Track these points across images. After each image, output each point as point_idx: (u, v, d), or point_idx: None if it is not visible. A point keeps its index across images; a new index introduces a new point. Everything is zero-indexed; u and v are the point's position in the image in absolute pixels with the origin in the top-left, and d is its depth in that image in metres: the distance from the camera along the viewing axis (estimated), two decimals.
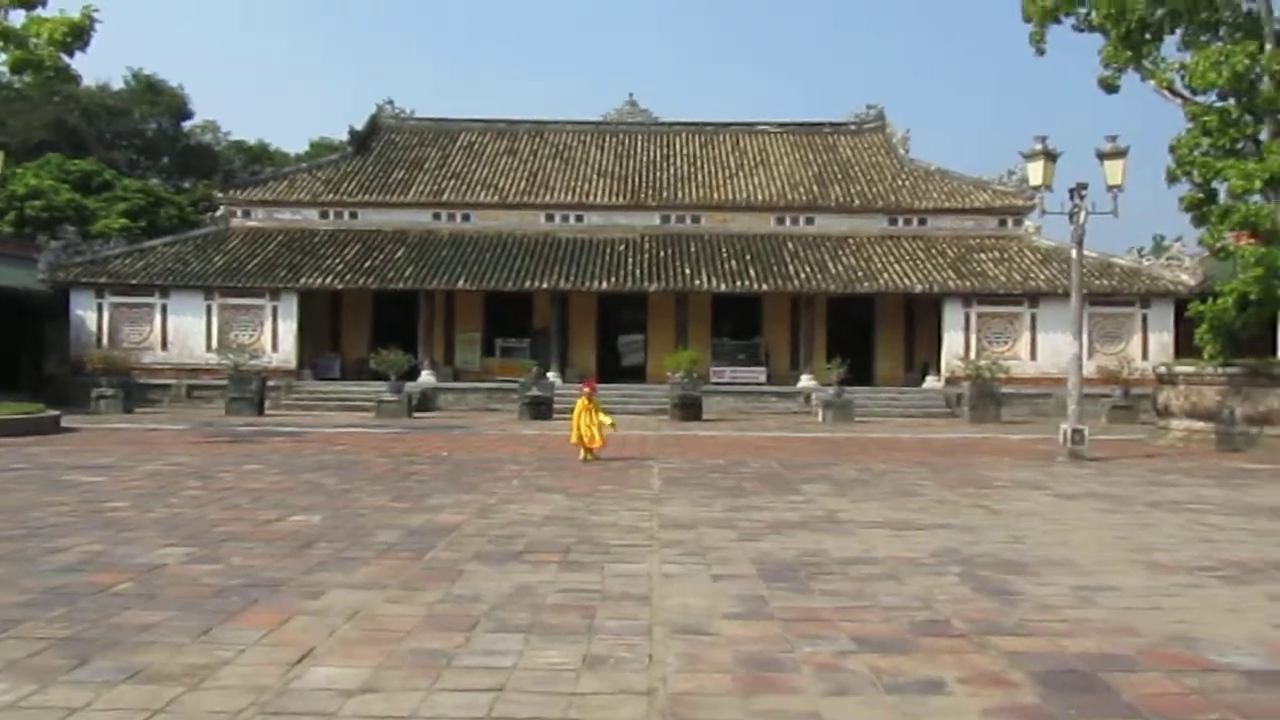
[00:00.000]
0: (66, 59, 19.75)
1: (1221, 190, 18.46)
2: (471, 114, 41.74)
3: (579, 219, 35.28)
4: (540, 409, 26.38)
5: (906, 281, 31.44)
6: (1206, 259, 29.25)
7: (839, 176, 36.97)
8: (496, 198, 35.69)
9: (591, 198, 35.73)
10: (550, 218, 35.28)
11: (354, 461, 14.79)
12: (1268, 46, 18.55)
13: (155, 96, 61.73)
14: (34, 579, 6.62)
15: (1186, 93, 19.63)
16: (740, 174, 37.41)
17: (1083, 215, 16.47)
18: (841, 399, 26.75)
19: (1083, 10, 20.71)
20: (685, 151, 39.12)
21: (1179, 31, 20.07)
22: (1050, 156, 16.38)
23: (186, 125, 64.79)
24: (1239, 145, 18.41)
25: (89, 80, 51.94)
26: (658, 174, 37.45)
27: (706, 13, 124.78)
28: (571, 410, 16.12)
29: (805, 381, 31.38)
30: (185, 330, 31.45)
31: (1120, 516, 10.03)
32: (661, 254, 33.19)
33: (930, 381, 32.02)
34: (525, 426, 23.95)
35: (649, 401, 29.07)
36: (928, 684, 4.59)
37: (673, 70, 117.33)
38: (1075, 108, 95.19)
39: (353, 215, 35.30)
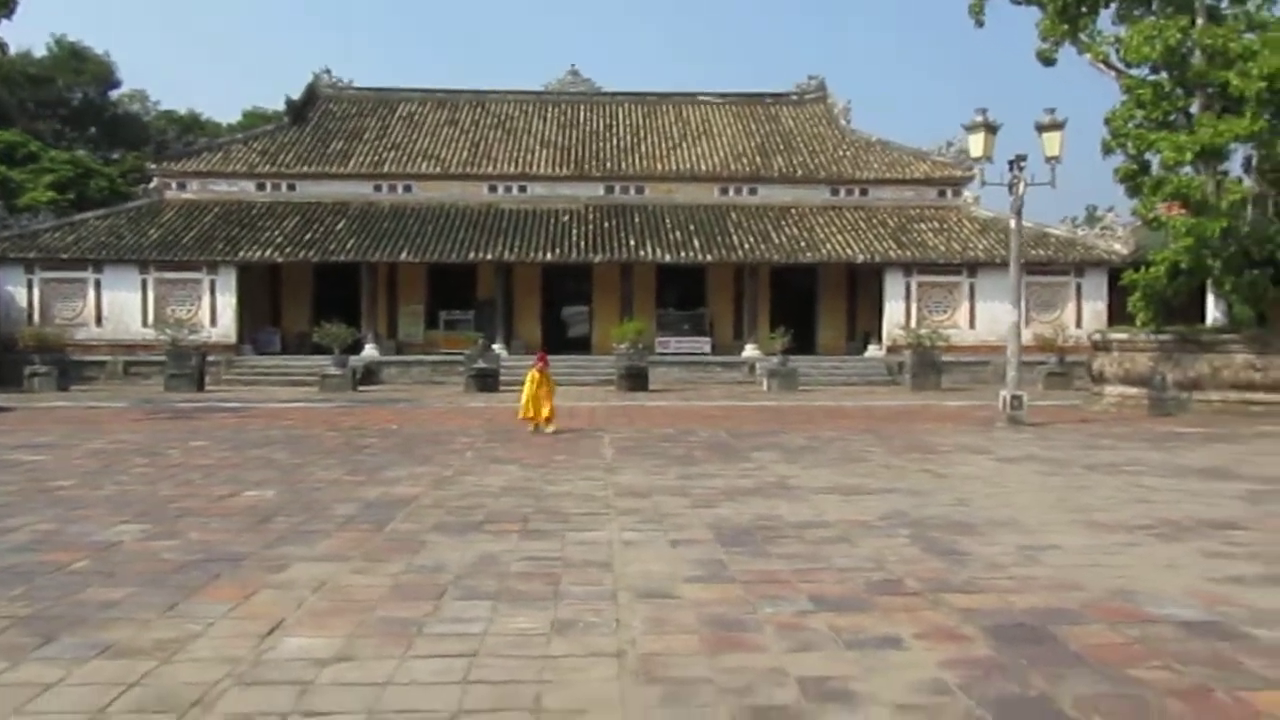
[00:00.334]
0: None
1: (1154, 162, 18.95)
2: (411, 84, 41.19)
3: (522, 190, 35.11)
4: (487, 381, 26.34)
5: (849, 251, 31.82)
6: (1138, 229, 30.05)
7: (781, 147, 37.19)
8: (438, 169, 35.34)
9: (535, 168, 35.56)
10: (493, 188, 35.06)
11: (303, 436, 14.69)
12: (1199, 21, 19.02)
13: (80, 65, 59.78)
14: None
15: (1121, 66, 20.06)
16: (684, 144, 37.45)
17: (1022, 186, 16.83)
18: (786, 368, 27.08)
19: None
20: (628, 122, 39.05)
21: (1114, 5, 20.47)
22: (990, 128, 16.68)
23: (114, 94, 62.97)
24: (1171, 118, 18.88)
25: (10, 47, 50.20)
26: (601, 144, 37.35)
27: None
28: (521, 383, 16.12)
29: (750, 351, 31.68)
30: (120, 305, 30.78)
31: (1060, 479, 10.38)
32: (606, 225, 33.18)
33: (872, 350, 32.52)
34: (472, 399, 23.91)
35: (595, 372, 29.16)
36: (886, 640, 4.78)
37: (614, 40, 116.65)
38: (1013, 80, 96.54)
39: (291, 187, 34.71)
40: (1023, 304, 26.07)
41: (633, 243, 32.03)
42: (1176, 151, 17.92)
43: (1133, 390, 19.56)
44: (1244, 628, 4.97)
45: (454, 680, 4.23)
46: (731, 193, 35.23)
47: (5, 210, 32.87)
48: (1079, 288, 31.87)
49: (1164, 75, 18.91)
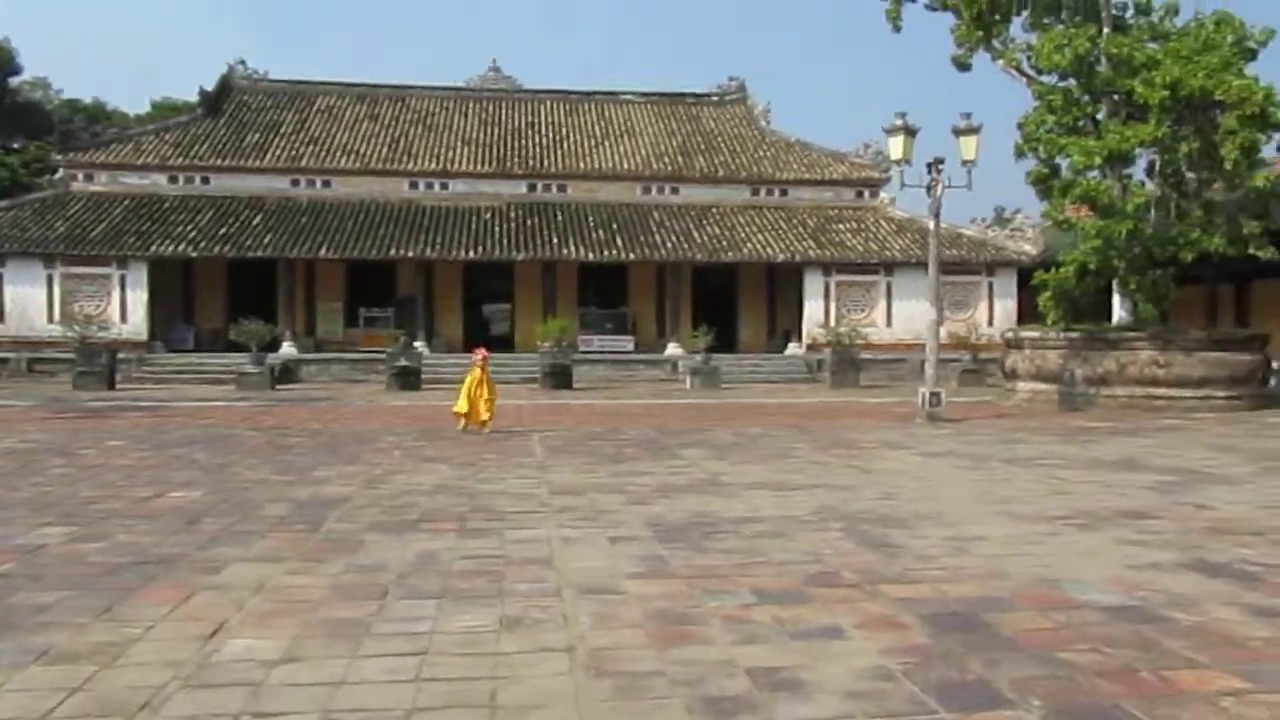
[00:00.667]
0: None
1: (1064, 165, 19.61)
2: (329, 77, 40.53)
3: (444, 186, 34.84)
4: (409, 379, 26.08)
5: (769, 251, 32.25)
6: (1047, 230, 31.06)
7: (703, 147, 37.51)
8: (358, 164, 34.87)
9: (456, 165, 35.32)
10: (414, 185, 34.72)
11: (225, 436, 14.39)
12: (1105, 30, 19.75)
13: None
14: None
15: (1032, 72, 20.74)
16: (606, 143, 37.53)
17: (940, 188, 17.27)
18: (709, 366, 27.34)
19: None
20: (550, 120, 38.99)
21: (1025, 13, 21.13)
22: (910, 132, 17.09)
23: (14, 81, 60.59)
24: (1080, 123, 19.58)
25: None
26: (523, 142, 37.24)
27: None
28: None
29: (672, 349, 31.90)
30: (24, 301, 29.73)
31: (980, 473, 10.71)
32: (528, 222, 33.10)
33: (792, 348, 33.01)
34: (395, 397, 23.65)
35: (519, 370, 29.03)
36: (828, 630, 4.92)
37: (535, 37, 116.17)
38: (927, 84, 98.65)
39: (205, 180, 33.92)
40: (930, 303, 26.87)
41: (555, 241, 32.02)
42: (1085, 156, 18.59)
43: (1044, 386, 20.22)
44: (1163, 611, 5.23)
45: (406, 679, 4.24)
46: (654, 192, 35.44)
47: None
48: (991, 287, 32.80)
49: (1073, 82, 19.59)
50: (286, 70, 58.96)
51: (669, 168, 35.98)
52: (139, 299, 30.25)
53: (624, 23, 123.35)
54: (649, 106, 40.28)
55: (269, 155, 34.78)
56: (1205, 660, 4.44)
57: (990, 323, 31.84)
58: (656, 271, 34.28)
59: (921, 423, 16.56)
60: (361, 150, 35.75)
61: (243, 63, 39.69)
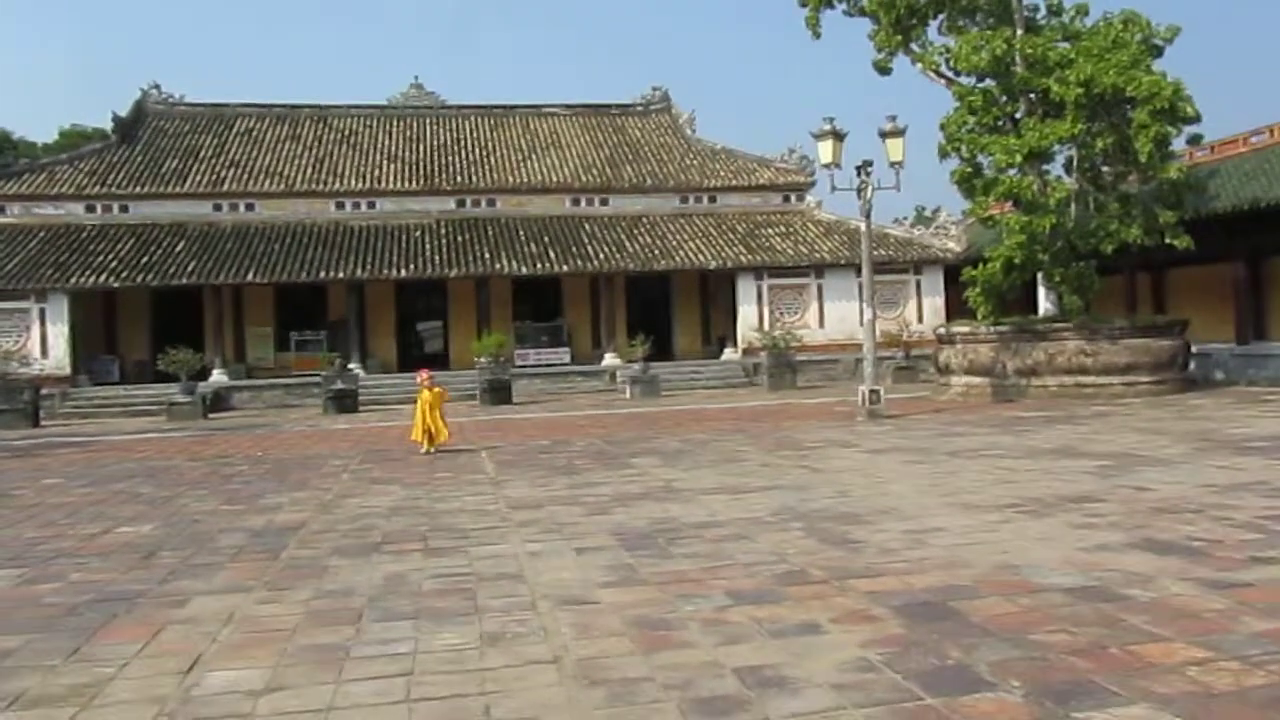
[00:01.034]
0: None
1: (986, 164, 20.14)
2: (247, 99, 39.84)
3: (371, 206, 34.47)
4: (346, 402, 25.75)
5: (701, 258, 32.50)
6: (970, 227, 31.84)
7: (630, 157, 37.68)
8: (282, 186, 34.31)
9: (383, 184, 34.97)
10: (341, 205, 34.29)
11: (164, 468, 14.09)
12: (1019, 31, 20.35)
13: None
14: None
15: (951, 74, 21.27)
16: (533, 156, 37.50)
17: (869, 190, 17.61)
18: (648, 375, 27.45)
19: None
20: (476, 135, 38.84)
21: (941, 17, 21.67)
22: (838, 136, 17.40)
23: None
24: (999, 123, 20.14)
25: None
26: (450, 158, 37.03)
27: None
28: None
29: (609, 359, 31.96)
30: None
31: (926, 466, 10.96)
32: (459, 239, 32.92)
33: (728, 353, 33.28)
34: (333, 421, 23.34)
35: (456, 387, 28.66)
36: (806, 626, 5.03)
37: (454, 52, 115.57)
38: (844, 88, 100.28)
39: (123, 208, 33.07)
40: (866, 303, 27.40)
41: (487, 256, 31.89)
42: (1007, 154, 19.13)
43: (977, 379, 20.72)
44: (1121, 590, 5.44)
45: (398, 700, 4.24)
46: (583, 203, 35.48)
47: None
48: (918, 285, 33.42)
49: (992, 83, 20.14)
50: (202, 93, 57.85)
51: (598, 179, 36.06)
52: (60, 332, 29.38)
53: (543, 34, 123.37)
54: (574, 119, 40.34)
55: (189, 180, 34.06)
56: (1168, 634, 4.63)
57: (920, 320, 32.43)
58: (590, 283, 34.31)
59: (863, 420, 16.85)
60: (285, 172, 35.21)
61: (157, 87, 38.81)
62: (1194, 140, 22.12)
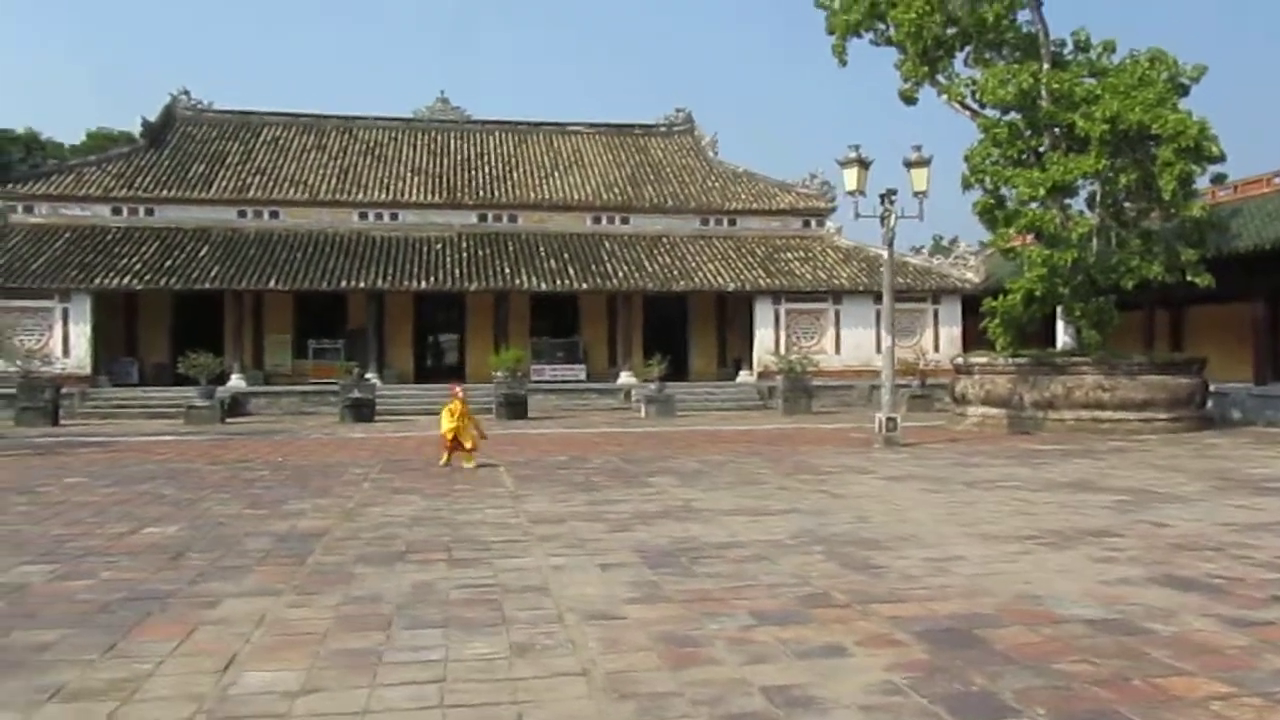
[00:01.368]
0: None
1: (1009, 196, 20.21)
2: (274, 107, 40.26)
3: (394, 217, 34.73)
4: (362, 411, 25.89)
5: (720, 280, 32.63)
6: (989, 258, 31.89)
7: (652, 177, 37.89)
8: (306, 195, 34.64)
9: (406, 196, 35.26)
10: (364, 216, 34.56)
11: (186, 470, 14.22)
12: (1045, 66, 20.47)
13: None
14: None
15: (976, 106, 21.39)
16: (555, 174, 37.75)
17: (893, 219, 17.70)
18: (663, 394, 27.53)
19: (882, 27, 22.25)
20: (500, 150, 39.13)
21: (968, 49, 21.81)
22: (864, 164, 17.51)
23: None
24: (1024, 156, 20.23)
25: None
26: (473, 173, 37.31)
27: (512, 10, 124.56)
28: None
29: (625, 378, 32.06)
30: None
31: (944, 495, 11.00)
32: (480, 253, 33.14)
33: (743, 376, 33.35)
34: (350, 429, 23.47)
35: (473, 401, 28.65)
36: (831, 649, 5.09)
37: (482, 68, 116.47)
38: (864, 114, 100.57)
39: (149, 212, 33.41)
40: (886, 331, 27.49)
41: (507, 271, 32.09)
42: (1031, 187, 19.21)
43: (994, 410, 20.73)
44: (1143, 623, 5.49)
45: (432, 705, 4.33)
46: (604, 222, 35.68)
47: None
48: (936, 314, 33.46)
49: (1017, 116, 20.24)
50: (230, 101, 58.48)
51: (619, 198, 36.27)
52: (82, 332, 29.68)
53: (571, 54, 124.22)
54: (597, 137, 40.62)
55: (215, 186, 34.41)
56: (1191, 668, 4.69)
57: (936, 349, 32.47)
58: (608, 301, 34.48)
59: (879, 447, 16.89)
60: (310, 181, 35.54)
61: (186, 93, 39.27)
62: (1218, 179, 22.19)
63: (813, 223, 36.64)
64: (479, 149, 39.03)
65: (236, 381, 30.43)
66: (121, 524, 9.37)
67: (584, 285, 31.95)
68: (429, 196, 35.36)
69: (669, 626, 5.55)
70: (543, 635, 5.40)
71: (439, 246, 33.37)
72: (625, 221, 35.76)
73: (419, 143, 38.94)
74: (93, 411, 28.09)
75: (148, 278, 30.06)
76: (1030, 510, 9.78)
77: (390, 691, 4.52)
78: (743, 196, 37.00)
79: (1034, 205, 20.30)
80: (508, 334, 32.55)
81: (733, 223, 36.25)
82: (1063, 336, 21.84)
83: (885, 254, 19.34)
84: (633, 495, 11.15)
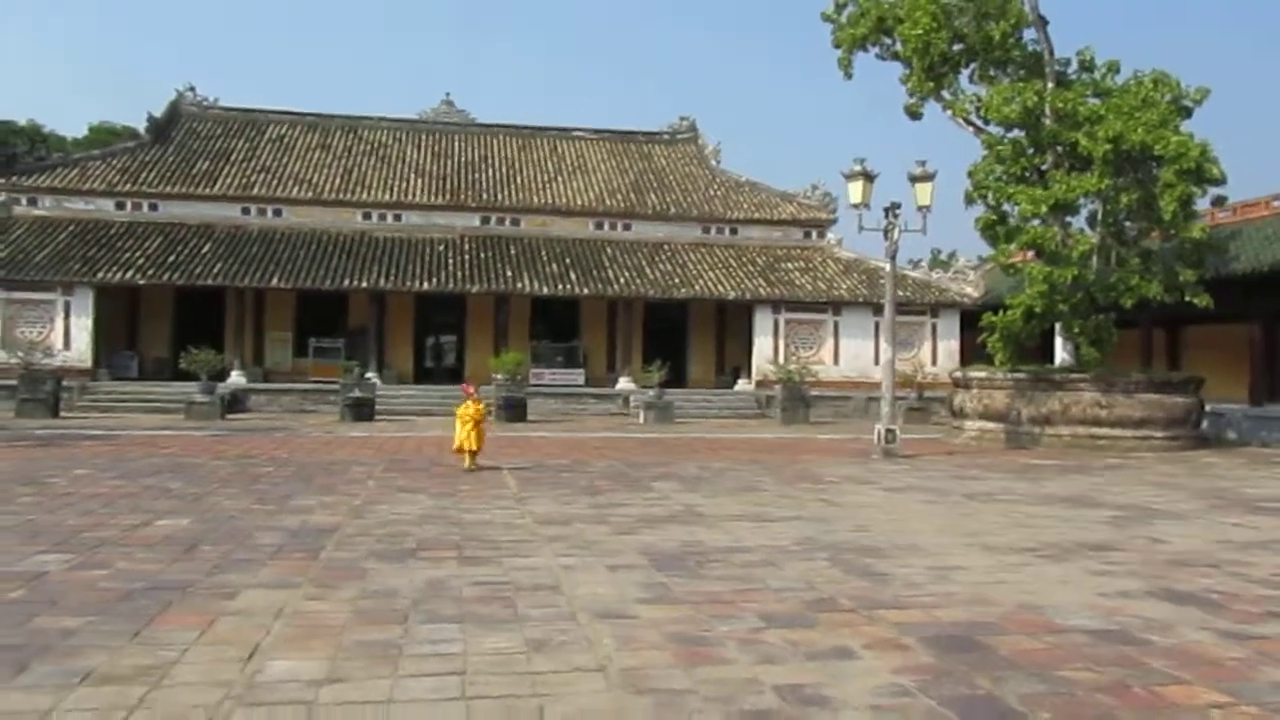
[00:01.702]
0: None
1: (1011, 213, 20.39)
2: (280, 105, 40.44)
3: (397, 218, 34.87)
4: (362, 410, 26.00)
5: (720, 288, 32.79)
6: (988, 273, 32.08)
7: (655, 185, 38.06)
8: (310, 194, 34.77)
9: (410, 197, 35.39)
10: (367, 216, 34.70)
11: (191, 465, 14.32)
12: (1049, 85, 20.68)
13: None
14: None
15: (979, 122, 21.58)
16: (559, 178, 37.91)
17: (896, 232, 17.87)
18: (662, 401, 27.66)
19: (888, 41, 22.46)
20: (503, 154, 39.29)
21: (973, 66, 22.02)
22: (869, 177, 17.69)
23: None
24: (1026, 173, 20.42)
25: None
26: (476, 175, 37.46)
27: (517, 14, 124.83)
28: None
29: (624, 383, 32.19)
30: None
31: (944, 507, 11.15)
32: (482, 255, 33.27)
33: (742, 384, 33.50)
34: (350, 428, 23.57)
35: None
36: (839, 651, 5.23)
37: (487, 72, 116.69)
38: (863, 127, 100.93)
39: (153, 207, 33.53)
40: (886, 343, 27.67)
41: (509, 274, 32.22)
42: (1033, 204, 19.40)
43: (991, 425, 20.89)
44: (1142, 634, 5.63)
45: (454, 696, 4.45)
46: (606, 228, 35.85)
47: None
48: (934, 328, 33.63)
49: (1020, 134, 20.44)
50: (235, 99, 58.60)
51: (621, 204, 36.44)
52: (84, 325, 29.76)
53: (575, 60, 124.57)
54: (601, 143, 40.80)
55: (219, 183, 34.51)
56: (1189, 677, 4.83)
57: (934, 362, 32.66)
58: (608, 306, 34.60)
59: (878, 458, 17.03)
60: (313, 180, 35.67)
61: (192, 89, 39.41)
62: (1218, 201, 22.41)
63: (814, 234, 36.82)
64: (483, 152, 39.19)
65: (237, 378, 30.53)
66: (133, 516, 9.47)
67: (585, 290, 32.08)
68: (432, 198, 35.50)
69: (680, 627, 5.68)
70: (558, 632, 5.52)
71: (441, 248, 33.51)
72: (627, 228, 35.93)
73: (423, 144, 39.10)
74: (92, 404, 28.16)
75: (150, 273, 30.15)
76: (1029, 523, 9.92)
77: (412, 682, 4.64)
78: (745, 206, 37.18)
79: (1035, 222, 20.48)
80: (508, 337, 32.68)
81: (734, 231, 36.43)
82: (1061, 353, 22.03)
83: (887, 266, 19.53)
84: (636, 499, 11.28)
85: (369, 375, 29.67)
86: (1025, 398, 20.32)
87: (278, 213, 34.23)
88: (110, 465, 14.11)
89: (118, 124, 60.60)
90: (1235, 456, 19.09)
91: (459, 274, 31.96)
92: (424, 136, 39.62)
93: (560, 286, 32.00)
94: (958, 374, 23.19)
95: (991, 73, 22.19)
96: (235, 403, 28.56)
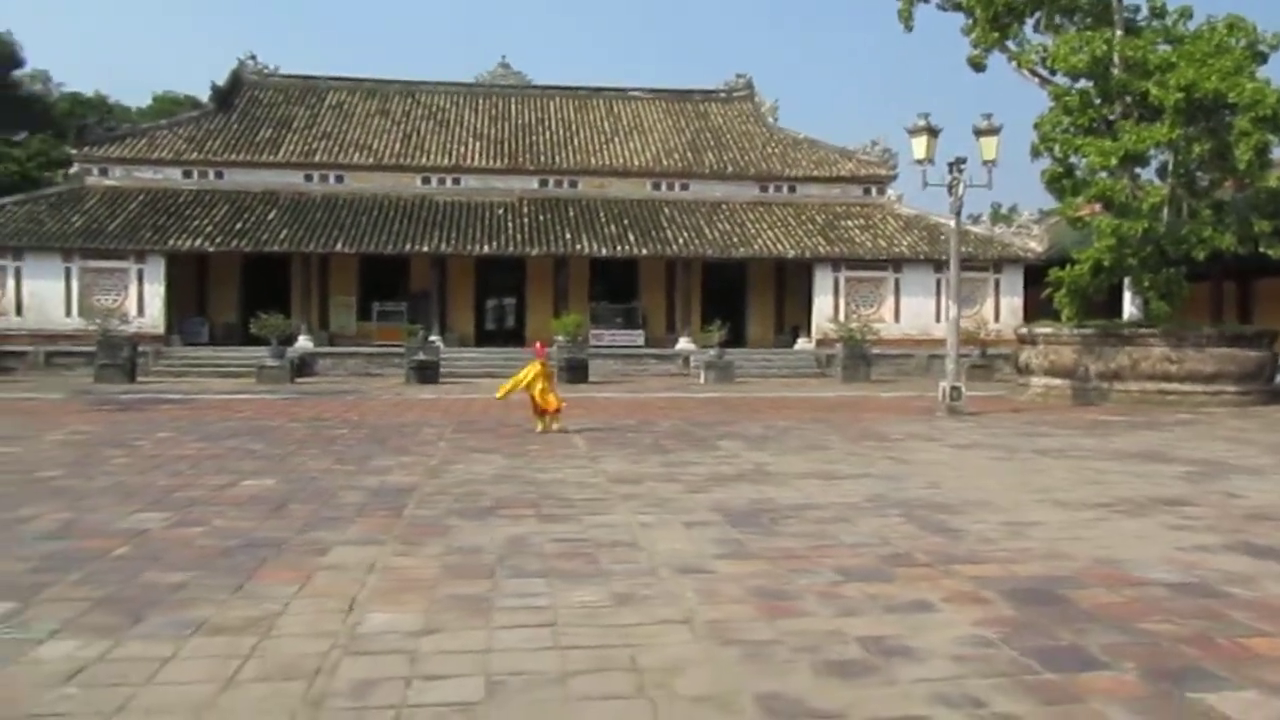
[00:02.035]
0: None
1: (1079, 165, 20.00)
2: (337, 72, 40.84)
3: (456, 182, 35.16)
4: (427, 373, 26.43)
5: (779, 247, 32.65)
6: (1052, 227, 31.53)
7: (712, 144, 37.87)
8: (371, 159, 35.18)
9: (468, 160, 35.64)
10: (427, 180, 35.03)
11: (268, 427, 14.74)
12: (1118, 33, 20.16)
13: None
14: (23, 546, 6.68)
15: (1045, 73, 21.14)
16: (616, 139, 37.87)
17: (961, 187, 17.65)
18: (723, 360, 27.74)
19: None
20: (560, 116, 39.31)
21: (1039, 14, 21.53)
22: (933, 132, 17.46)
23: (16, 74, 60.64)
24: (1095, 125, 19.97)
25: None
26: (534, 138, 37.56)
27: None
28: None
29: (683, 344, 32.29)
30: (42, 295, 30.03)
31: (1013, 464, 11.13)
32: (541, 218, 33.46)
33: (801, 343, 33.43)
34: (417, 391, 23.99)
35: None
36: (918, 604, 5.32)
37: (543, 33, 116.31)
38: (921, 81, 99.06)
39: (219, 175, 34.21)
40: (947, 299, 27.41)
41: (568, 236, 32.38)
42: (1102, 156, 19.00)
43: (1057, 381, 20.66)
44: (1223, 587, 5.64)
45: (547, 646, 4.62)
46: (664, 188, 35.81)
47: None
48: (997, 284, 33.23)
49: (1088, 84, 19.99)
50: (293, 65, 59.19)
51: (679, 164, 36.34)
52: (156, 292, 30.57)
53: (630, 18, 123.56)
54: (657, 103, 40.62)
55: (282, 150, 35.05)
56: (1273, 629, 4.85)
57: (996, 319, 32.31)
58: (667, 267, 34.66)
59: (942, 416, 16.97)
60: (374, 146, 36.06)
61: (253, 58, 39.92)
62: None
63: (873, 190, 36.45)
64: (540, 114, 39.25)
65: (304, 342, 31.16)
66: (219, 477, 9.82)
67: (644, 251, 32.17)
68: (490, 162, 35.72)
69: (759, 581, 5.80)
70: (641, 586, 5.68)
71: (500, 211, 33.75)
72: (685, 188, 35.86)
73: (480, 108, 39.25)
74: (166, 370, 28.97)
75: (219, 240, 30.83)
76: (1101, 479, 9.88)
77: (506, 633, 4.82)
78: (803, 163, 36.86)
79: (1104, 174, 20.08)
80: (567, 298, 32.95)
81: (792, 190, 36.17)
82: (1129, 307, 21.66)
83: (951, 223, 19.30)
84: (705, 458, 11.41)
85: (432, 338, 30.11)
86: (1093, 353, 20.04)
87: (339, 179, 34.71)
88: (191, 428, 14.58)
89: (180, 93, 61.71)
90: None
91: (518, 237, 32.20)
92: (481, 100, 39.76)
93: (619, 247, 32.10)
94: (1023, 330, 22.92)
95: (1058, 21, 21.65)
96: (303, 366, 29.16)
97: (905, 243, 33.31)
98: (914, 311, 32.47)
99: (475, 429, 14.82)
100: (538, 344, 16.18)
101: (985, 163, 17.69)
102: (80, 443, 12.73)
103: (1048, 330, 21.47)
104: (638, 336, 33.88)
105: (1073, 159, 19.94)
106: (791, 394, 23.29)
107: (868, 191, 36.41)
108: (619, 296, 35.39)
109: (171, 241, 30.43)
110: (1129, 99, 19.93)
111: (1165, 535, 7.14)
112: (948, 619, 5.05)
